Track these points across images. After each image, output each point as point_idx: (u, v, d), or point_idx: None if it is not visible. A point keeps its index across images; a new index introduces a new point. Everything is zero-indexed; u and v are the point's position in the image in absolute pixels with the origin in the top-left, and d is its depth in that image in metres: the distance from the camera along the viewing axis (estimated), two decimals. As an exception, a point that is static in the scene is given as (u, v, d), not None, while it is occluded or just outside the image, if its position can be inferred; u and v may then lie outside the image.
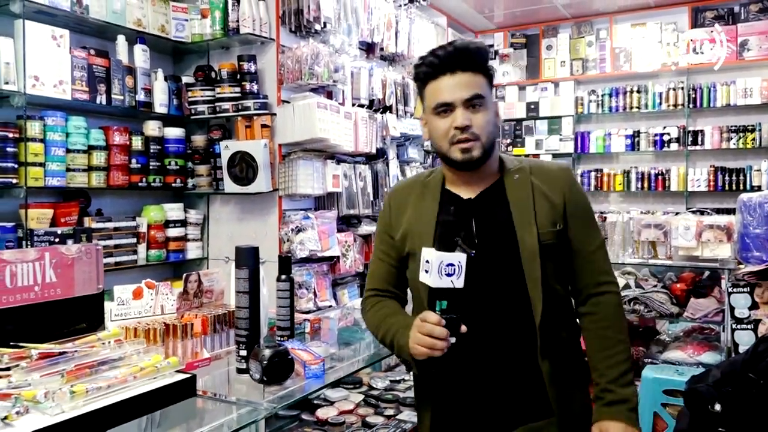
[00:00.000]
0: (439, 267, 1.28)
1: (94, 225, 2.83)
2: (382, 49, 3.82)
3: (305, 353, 1.68)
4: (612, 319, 1.53)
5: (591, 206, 1.59)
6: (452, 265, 1.29)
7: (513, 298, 1.46)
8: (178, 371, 1.50)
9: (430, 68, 1.48)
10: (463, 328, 1.34)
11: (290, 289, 1.89)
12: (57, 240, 2.60)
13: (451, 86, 1.45)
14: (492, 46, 6.67)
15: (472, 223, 1.46)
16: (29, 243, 2.53)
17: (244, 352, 1.65)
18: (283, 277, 1.89)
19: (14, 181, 2.54)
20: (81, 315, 1.60)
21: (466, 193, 1.53)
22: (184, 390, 1.46)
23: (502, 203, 1.50)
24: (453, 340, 1.33)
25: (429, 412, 1.57)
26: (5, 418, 1.18)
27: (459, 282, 1.30)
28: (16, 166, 2.55)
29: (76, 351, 1.44)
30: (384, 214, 1.65)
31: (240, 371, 1.66)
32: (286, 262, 1.91)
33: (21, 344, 1.42)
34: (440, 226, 1.41)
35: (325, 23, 3.23)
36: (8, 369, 1.34)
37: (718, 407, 2.69)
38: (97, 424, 1.27)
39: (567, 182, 1.54)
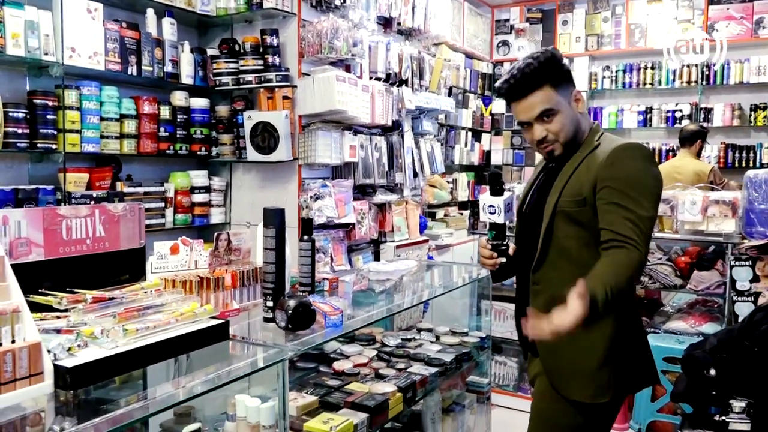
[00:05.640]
0: (483, 207, 1.78)
1: (126, 189, 3.01)
2: (399, 23, 3.91)
3: (326, 305, 1.85)
4: (610, 263, 1.56)
5: (638, 181, 1.61)
6: (492, 206, 1.76)
7: (533, 242, 1.78)
8: (213, 317, 1.68)
9: (503, 98, 1.82)
10: (510, 251, 1.81)
11: (311, 249, 2.05)
12: (92, 202, 2.78)
13: (521, 111, 1.74)
14: (508, 20, 6.70)
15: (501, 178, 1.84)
16: (67, 204, 2.71)
17: (270, 303, 1.82)
18: (306, 237, 2.05)
19: (53, 146, 2.72)
20: (125, 267, 1.78)
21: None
22: (218, 334, 1.63)
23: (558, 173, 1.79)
24: (503, 259, 1.80)
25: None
26: (69, 349, 1.37)
27: (500, 219, 1.77)
28: (55, 132, 2.72)
29: (123, 297, 1.62)
30: None
31: (266, 320, 1.84)
32: (308, 225, 2.08)
33: (75, 290, 1.60)
34: (489, 176, 1.84)
35: (344, -2, 3.34)
36: (67, 311, 1.53)
37: (713, 372, 2.83)
38: (145, 358, 1.46)
39: (609, 158, 1.64)
